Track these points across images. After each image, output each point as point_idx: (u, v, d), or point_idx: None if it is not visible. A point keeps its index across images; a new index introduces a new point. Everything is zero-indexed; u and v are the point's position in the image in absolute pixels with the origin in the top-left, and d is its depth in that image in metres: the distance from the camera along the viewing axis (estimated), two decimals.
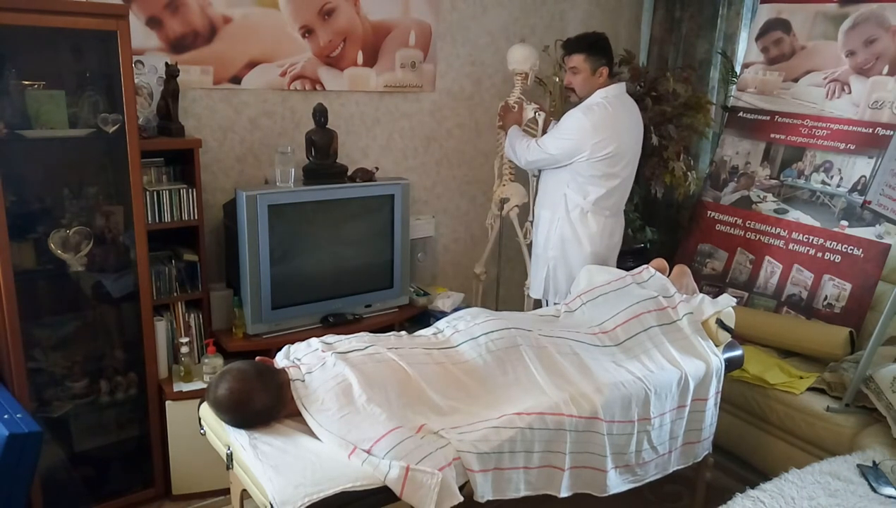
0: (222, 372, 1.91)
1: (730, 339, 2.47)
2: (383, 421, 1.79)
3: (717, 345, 2.40)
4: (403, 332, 2.32)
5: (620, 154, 2.83)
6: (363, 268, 3.00)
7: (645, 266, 2.66)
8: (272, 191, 2.66)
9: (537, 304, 3.30)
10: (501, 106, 3.26)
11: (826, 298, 3.01)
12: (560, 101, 3.53)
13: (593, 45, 2.85)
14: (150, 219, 2.46)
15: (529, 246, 3.36)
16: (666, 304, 2.44)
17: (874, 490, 2.01)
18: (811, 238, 3.12)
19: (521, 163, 3.05)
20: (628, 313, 2.38)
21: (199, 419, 2.00)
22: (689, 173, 3.48)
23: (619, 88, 2.89)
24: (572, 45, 2.89)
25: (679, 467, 2.30)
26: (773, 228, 3.26)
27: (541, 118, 3.12)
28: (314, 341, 2.11)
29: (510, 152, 3.12)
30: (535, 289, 3.14)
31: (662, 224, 3.90)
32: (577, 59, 2.86)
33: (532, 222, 3.29)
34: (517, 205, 3.31)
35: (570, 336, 2.28)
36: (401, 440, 1.73)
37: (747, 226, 3.36)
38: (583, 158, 2.81)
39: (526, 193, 3.32)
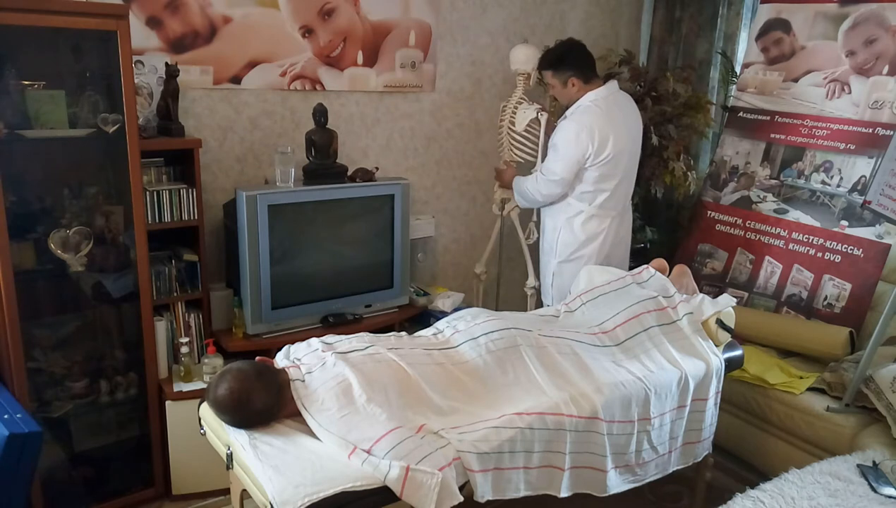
0: (222, 372, 1.91)
1: (730, 339, 2.47)
2: (383, 421, 1.79)
3: (717, 345, 2.40)
4: (403, 332, 2.32)
5: (619, 153, 2.84)
6: (363, 268, 3.00)
7: (645, 266, 2.66)
8: (272, 191, 2.66)
9: (538, 304, 3.31)
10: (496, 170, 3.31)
11: (826, 298, 3.01)
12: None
13: (556, 61, 2.92)
14: (150, 219, 2.46)
15: (530, 246, 3.36)
16: (666, 304, 2.44)
17: (874, 490, 2.01)
18: (811, 238, 3.12)
19: (539, 200, 3.02)
20: (628, 313, 2.38)
21: (199, 419, 2.00)
22: (689, 173, 3.48)
23: (608, 89, 2.90)
24: (541, 63, 3.00)
25: (679, 467, 2.30)
26: (773, 228, 3.26)
27: (543, 118, 3.12)
28: (314, 341, 2.11)
29: (521, 201, 3.13)
30: (545, 295, 3.16)
31: (662, 224, 3.90)
32: (547, 75, 2.97)
33: (535, 222, 3.29)
34: (518, 206, 3.31)
35: (570, 336, 2.28)
36: (401, 440, 1.73)
37: (747, 226, 3.36)
38: (587, 165, 2.83)
39: None
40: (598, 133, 2.79)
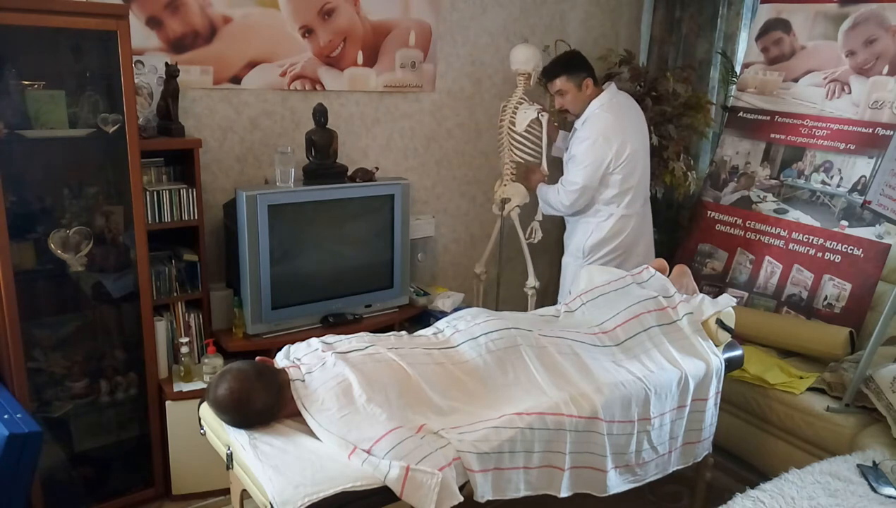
0: (222, 371, 1.91)
1: (730, 339, 2.47)
2: (383, 421, 1.79)
3: (717, 345, 2.40)
4: (403, 332, 2.32)
5: (635, 151, 2.91)
6: (363, 268, 3.00)
7: (645, 266, 2.66)
8: (272, 191, 2.66)
9: (538, 304, 3.31)
10: (522, 168, 3.25)
11: (826, 298, 3.01)
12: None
13: (569, 64, 2.96)
14: (150, 219, 2.46)
15: (530, 246, 3.36)
16: (666, 304, 2.43)
17: (874, 490, 2.01)
18: (811, 238, 3.12)
19: (563, 210, 3.07)
20: (628, 313, 2.38)
21: (199, 419, 2.00)
22: (689, 173, 3.48)
23: (610, 93, 2.97)
24: (550, 72, 3.00)
25: (679, 467, 2.30)
26: (773, 228, 3.26)
27: (543, 119, 3.12)
28: (314, 341, 2.11)
29: (547, 209, 3.17)
30: (563, 295, 3.18)
31: (662, 224, 3.90)
32: (560, 82, 2.97)
33: (539, 222, 3.29)
34: (518, 206, 3.31)
35: (570, 336, 2.28)
36: (401, 440, 1.73)
37: (747, 226, 3.36)
38: (610, 170, 2.89)
39: (527, 194, 3.32)
40: (613, 137, 2.86)
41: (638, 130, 3.00)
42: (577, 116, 3.01)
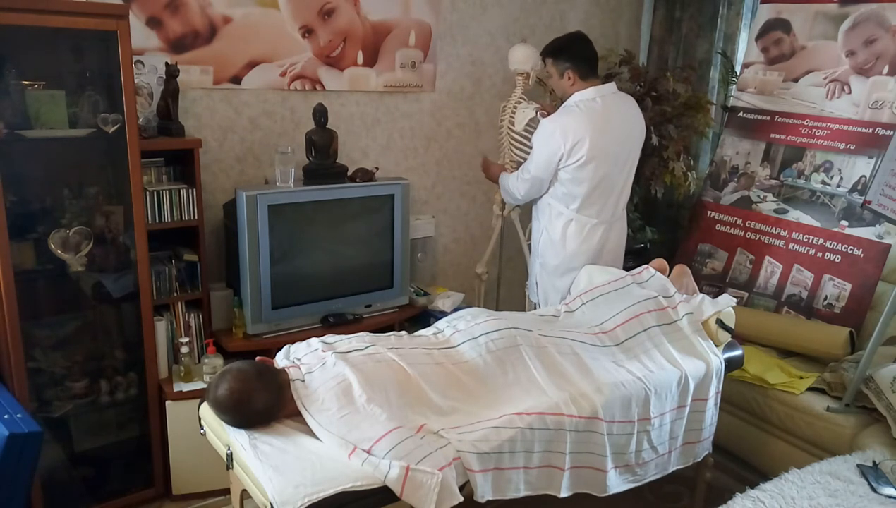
0: (222, 371, 1.91)
1: (730, 339, 2.47)
2: (383, 421, 1.79)
3: (717, 345, 2.40)
4: (403, 332, 2.32)
5: (595, 159, 2.70)
6: (363, 268, 3.01)
7: (645, 266, 2.66)
8: (272, 191, 2.67)
9: (538, 305, 3.30)
10: (484, 163, 3.26)
11: (826, 298, 3.01)
12: (559, 101, 3.53)
13: (557, 50, 2.83)
14: (150, 219, 2.46)
15: (530, 246, 3.36)
16: (666, 304, 2.43)
17: (874, 490, 2.01)
18: (811, 238, 3.12)
19: (518, 197, 2.98)
20: (628, 313, 2.38)
21: (199, 419, 2.00)
22: (689, 173, 3.48)
23: (597, 91, 2.77)
24: (543, 50, 2.91)
25: (679, 467, 2.30)
26: (773, 228, 3.26)
27: (542, 118, 3.11)
28: (314, 341, 2.11)
29: (506, 197, 3.10)
30: (531, 293, 3.15)
31: (662, 224, 3.90)
32: (548, 64, 2.87)
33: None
34: (519, 206, 3.31)
35: (570, 336, 2.28)
36: (401, 440, 1.73)
37: (747, 226, 3.36)
38: (560, 167, 2.75)
39: None
40: (571, 134, 2.69)
41: (613, 141, 2.74)
42: (561, 101, 2.90)
